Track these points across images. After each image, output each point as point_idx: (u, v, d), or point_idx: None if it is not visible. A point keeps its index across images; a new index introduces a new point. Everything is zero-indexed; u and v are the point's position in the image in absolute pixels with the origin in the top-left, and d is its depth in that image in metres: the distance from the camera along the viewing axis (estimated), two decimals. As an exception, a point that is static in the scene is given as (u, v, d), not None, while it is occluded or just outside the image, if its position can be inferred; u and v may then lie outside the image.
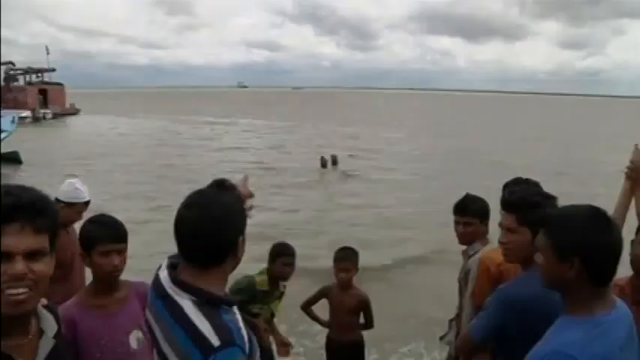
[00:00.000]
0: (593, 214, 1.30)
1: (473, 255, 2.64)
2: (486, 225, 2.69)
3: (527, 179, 2.42)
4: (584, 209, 1.33)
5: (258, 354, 1.34)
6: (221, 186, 1.37)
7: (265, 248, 3.01)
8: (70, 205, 2.93)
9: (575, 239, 1.27)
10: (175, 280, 1.26)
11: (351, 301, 3.10)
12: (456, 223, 2.70)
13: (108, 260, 1.89)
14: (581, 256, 1.25)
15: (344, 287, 3.09)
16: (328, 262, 3.26)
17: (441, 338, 3.01)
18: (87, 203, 2.99)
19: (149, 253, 6.48)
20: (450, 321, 2.89)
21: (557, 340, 1.25)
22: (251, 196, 1.81)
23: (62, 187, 2.98)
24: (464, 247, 2.73)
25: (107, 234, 1.90)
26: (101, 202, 8.33)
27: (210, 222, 1.25)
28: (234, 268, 1.35)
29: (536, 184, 2.31)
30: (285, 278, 3.00)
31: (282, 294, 3.04)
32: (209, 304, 1.23)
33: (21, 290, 1.01)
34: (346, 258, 3.06)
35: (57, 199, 2.88)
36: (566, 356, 1.20)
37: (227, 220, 1.28)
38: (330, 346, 3.23)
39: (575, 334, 1.24)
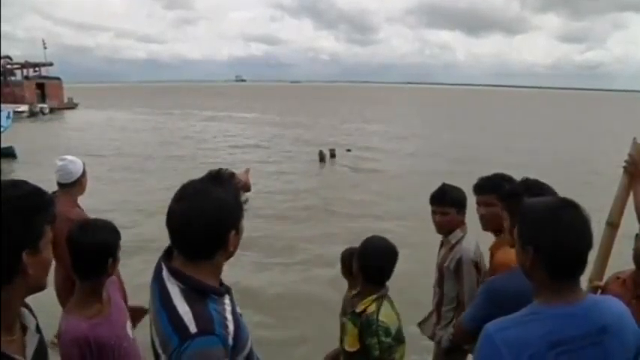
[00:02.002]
0: (557, 208, 1.28)
1: (457, 243, 2.67)
2: (463, 214, 2.72)
3: (502, 174, 2.44)
4: (549, 202, 1.32)
5: (249, 346, 1.34)
6: (217, 177, 1.33)
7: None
8: (69, 184, 3.14)
9: (530, 230, 1.29)
10: (167, 267, 1.29)
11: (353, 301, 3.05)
12: (433, 212, 2.74)
13: None
14: (533, 247, 1.26)
15: (350, 285, 3.06)
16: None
17: (419, 324, 2.98)
18: (83, 174, 3.20)
19: (143, 248, 6.49)
20: (431, 312, 2.88)
21: (499, 320, 1.28)
22: (249, 189, 1.82)
23: (57, 172, 3.18)
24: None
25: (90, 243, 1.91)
26: (99, 199, 8.33)
27: (199, 216, 1.24)
28: (227, 258, 1.35)
29: (510, 179, 2.33)
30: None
31: (356, 315, 2.27)
32: (196, 292, 1.25)
33: None
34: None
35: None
36: (487, 333, 1.25)
37: (217, 215, 1.26)
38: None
39: (510, 317, 1.26)
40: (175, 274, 1.26)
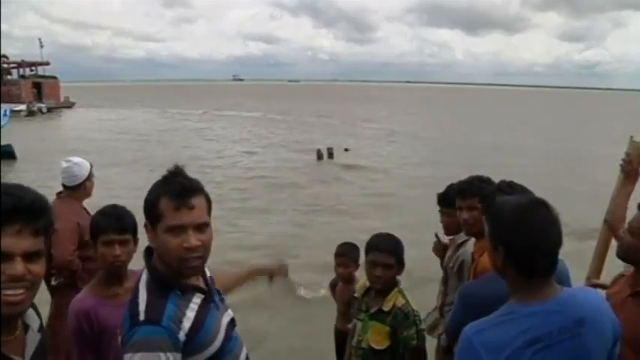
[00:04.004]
0: (527, 207, 1.28)
1: (463, 244, 2.64)
2: None
3: (480, 176, 2.37)
4: (519, 202, 1.32)
5: (211, 349, 1.33)
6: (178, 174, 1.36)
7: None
8: (74, 186, 3.07)
9: (498, 230, 1.30)
10: (144, 257, 1.38)
11: (348, 296, 3.08)
12: (442, 214, 2.74)
13: (109, 250, 1.96)
14: (504, 247, 1.27)
15: (345, 281, 3.08)
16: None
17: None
18: (89, 177, 3.11)
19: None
20: (434, 309, 2.90)
21: (476, 322, 1.28)
22: (286, 274, 2.00)
23: (61, 174, 3.09)
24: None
25: (109, 224, 1.98)
26: (96, 196, 8.21)
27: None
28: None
29: (489, 180, 2.30)
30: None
31: (384, 314, 2.23)
32: (159, 284, 1.31)
33: (19, 291, 1.01)
34: (344, 254, 3.01)
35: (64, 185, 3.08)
36: (465, 336, 1.26)
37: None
38: (336, 334, 3.25)
39: (487, 319, 1.27)
40: (147, 265, 1.35)
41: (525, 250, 1.24)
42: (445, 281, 2.78)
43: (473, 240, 2.53)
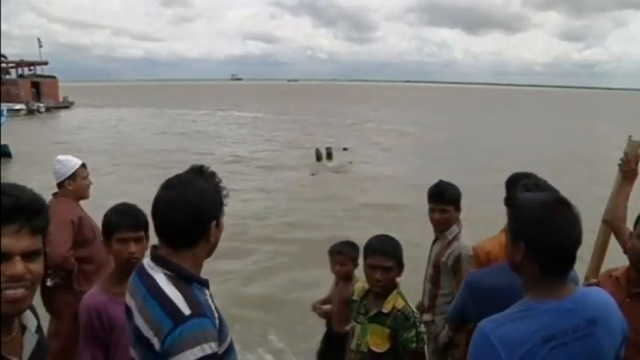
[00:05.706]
0: (548, 204, 1.29)
1: (454, 239, 2.66)
2: (459, 211, 2.72)
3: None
4: (541, 198, 1.33)
5: (229, 341, 1.36)
6: (199, 171, 1.40)
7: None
8: (60, 184, 3.04)
9: (521, 226, 1.30)
10: (152, 256, 1.34)
11: (346, 294, 3.07)
12: (432, 210, 2.72)
13: (125, 247, 2.00)
14: (525, 243, 1.27)
15: (344, 279, 3.05)
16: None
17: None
18: (72, 176, 3.04)
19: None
20: (430, 314, 2.85)
21: (492, 317, 1.28)
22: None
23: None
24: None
25: (124, 222, 2.00)
26: (95, 197, 8.19)
27: (182, 204, 1.31)
28: (209, 252, 1.39)
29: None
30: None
31: (383, 316, 2.22)
32: (181, 278, 1.30)
33: (19, 291, 1.02)
34: (342, 252, 3.00)
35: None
36: (481, 330, 1.25)
37: (199, 204, 1.32)
38: (328, 334, 3.22)
39: (503, 314, 1.27)
40: (160, 261, 1.31)
41: (547, 248, 1.25)
42: (435, 279, 2.76)
43: (463, 234, 2.66)
